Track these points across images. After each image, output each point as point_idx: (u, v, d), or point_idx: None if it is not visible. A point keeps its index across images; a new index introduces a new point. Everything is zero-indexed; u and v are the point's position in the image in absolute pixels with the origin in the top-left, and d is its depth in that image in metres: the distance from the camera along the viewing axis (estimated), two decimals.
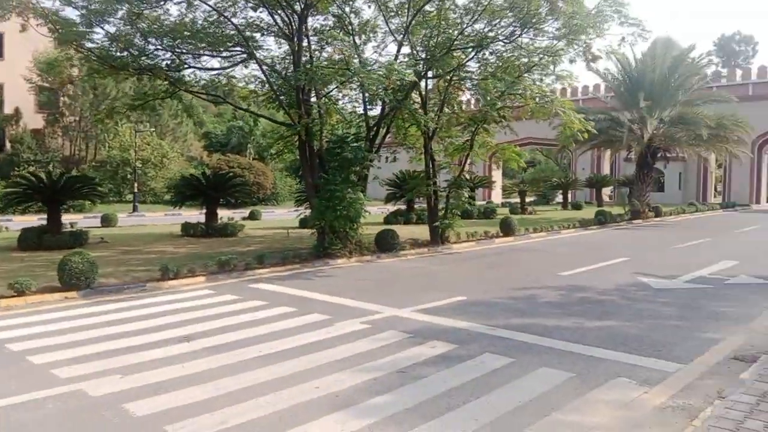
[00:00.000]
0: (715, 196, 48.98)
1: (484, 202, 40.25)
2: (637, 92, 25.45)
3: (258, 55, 14.88)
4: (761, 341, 6.87)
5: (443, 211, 16.83)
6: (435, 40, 14.79)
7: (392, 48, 19.47)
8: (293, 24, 14.30)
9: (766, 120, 37.97)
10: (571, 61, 16.67)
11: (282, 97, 15.05)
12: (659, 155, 27.92)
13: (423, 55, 14.98)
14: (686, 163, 46.07)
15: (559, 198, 44.83)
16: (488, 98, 15.25)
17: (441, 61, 14.14)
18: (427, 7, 14.80)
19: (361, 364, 6.07)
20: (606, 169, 51.09)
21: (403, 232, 20.54)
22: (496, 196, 52.12)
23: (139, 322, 7.94)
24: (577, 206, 37.89)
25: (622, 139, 26.59)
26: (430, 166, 16.66)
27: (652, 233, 21.94)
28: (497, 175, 58.13)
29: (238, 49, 14.94)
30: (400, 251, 15.56)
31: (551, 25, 14.60)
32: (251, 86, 16.94)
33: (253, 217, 28.40)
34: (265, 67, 14.94)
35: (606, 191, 49.46)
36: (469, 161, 18.37)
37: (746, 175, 43.21)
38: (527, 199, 37.59)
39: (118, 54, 14.44)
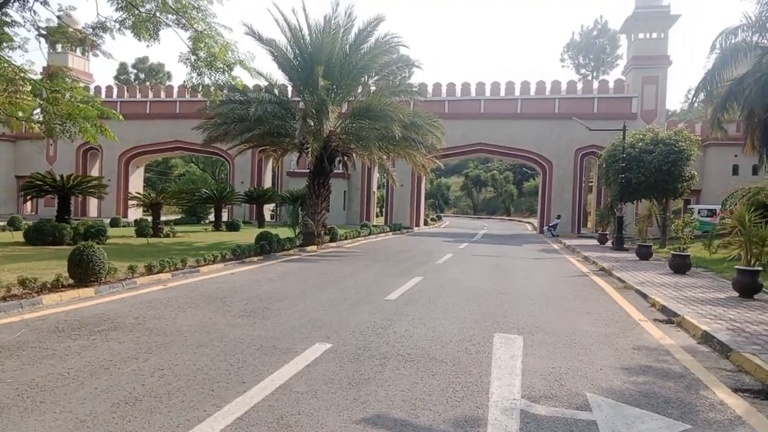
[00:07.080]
0: (376, 217, 46.94)
1: (108, 219, 29.01)
2: (314, 67, 18.21)
3: None
4: None
5: None
6: None
7: None
8: None
9: None
10: None
11: None
12: (338, 160, 21.41)
13: None
14: (350, 181, 42.51)
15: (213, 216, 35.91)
16: None
17: None
18: None
19: None
20: (268, 183, 44.43)
21: None
22: (135, 211, 40.02)
23: None
24: (234, 226, 29.48)
25: (294, 134, 19.26)
26: None
27: (339, 269, 14.50)
28: (137, 181, 45.66)
29: None
30: None
31: None
32: None
33: None
34: None
35: (269, 208, 42.66)
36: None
37: (407, 195, 41.51)
38: (172, 217, 27.79)
39: None
